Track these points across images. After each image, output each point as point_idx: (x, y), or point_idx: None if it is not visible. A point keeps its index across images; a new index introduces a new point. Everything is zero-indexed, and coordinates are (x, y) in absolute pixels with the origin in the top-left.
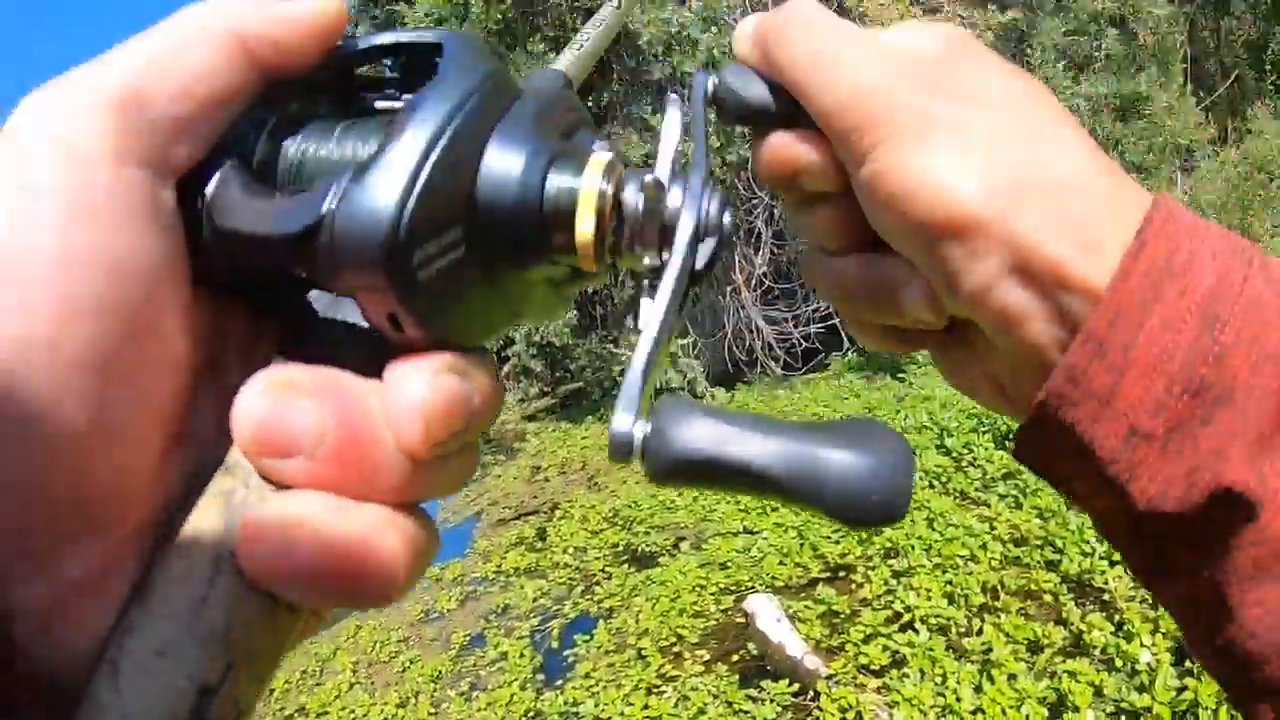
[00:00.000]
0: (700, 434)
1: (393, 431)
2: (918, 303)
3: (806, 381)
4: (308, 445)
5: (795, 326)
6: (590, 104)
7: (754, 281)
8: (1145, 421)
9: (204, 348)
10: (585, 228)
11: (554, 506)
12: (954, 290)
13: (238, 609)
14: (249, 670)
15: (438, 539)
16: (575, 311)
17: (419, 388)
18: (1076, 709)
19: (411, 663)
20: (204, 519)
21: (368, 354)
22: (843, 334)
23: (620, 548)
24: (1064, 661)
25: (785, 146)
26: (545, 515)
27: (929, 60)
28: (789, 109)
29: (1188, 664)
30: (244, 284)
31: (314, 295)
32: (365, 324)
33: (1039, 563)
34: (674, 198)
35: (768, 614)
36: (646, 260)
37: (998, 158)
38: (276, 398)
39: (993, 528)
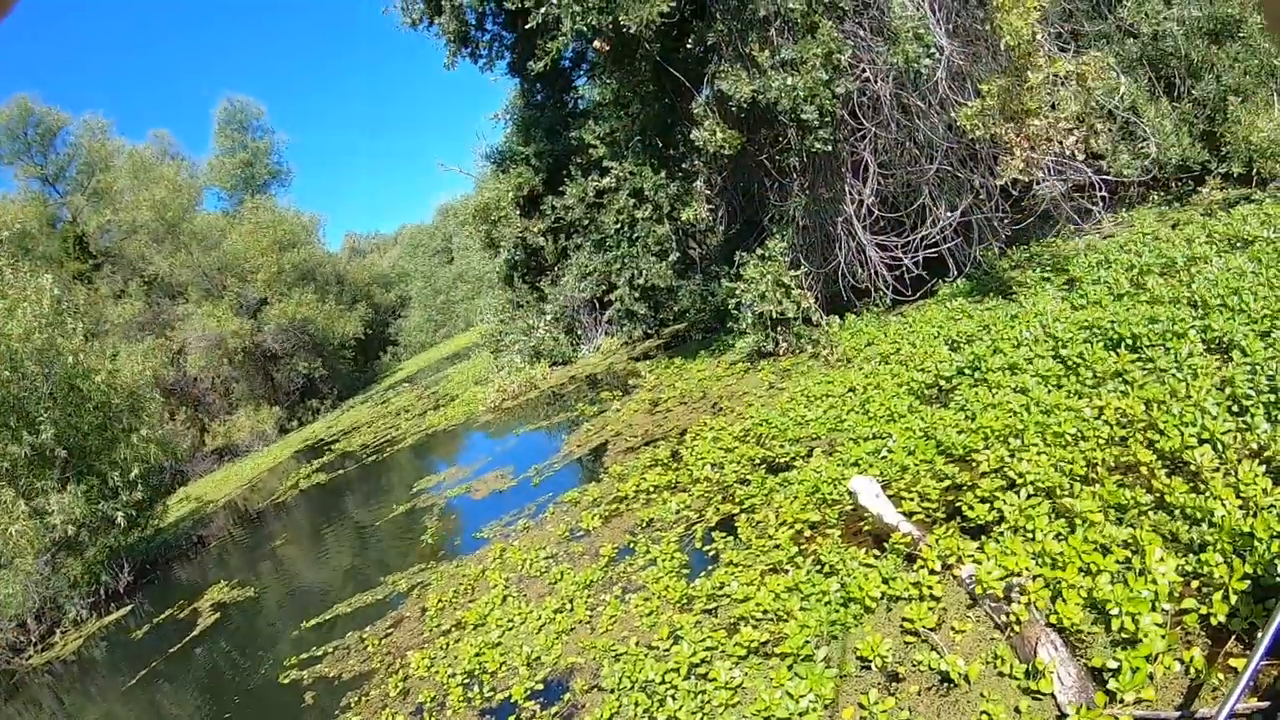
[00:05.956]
0: None
1: None
2: None
3: (918, 307)
4: None
5: (905, 253)
6: (693, 45)
7: (864, 211)
8: None
9: None
10: None
11: (682, 432)
12: None
13: None
14: None
15: None
16: (677, 253)
17: None
18: (1144, 552)
19: (562, 575)
20: None
21: None
22: (949, 261)
23: (757, 460)
24: (1146, 519)
25: None
26: (675, 440)
27: None
28: None
29: (1251, 508)
30: None
31: None
32: None
33: (1141, 442)
34: None
35: (868, 491)
36: None
37: None
38: None
39: (1101, 413)
